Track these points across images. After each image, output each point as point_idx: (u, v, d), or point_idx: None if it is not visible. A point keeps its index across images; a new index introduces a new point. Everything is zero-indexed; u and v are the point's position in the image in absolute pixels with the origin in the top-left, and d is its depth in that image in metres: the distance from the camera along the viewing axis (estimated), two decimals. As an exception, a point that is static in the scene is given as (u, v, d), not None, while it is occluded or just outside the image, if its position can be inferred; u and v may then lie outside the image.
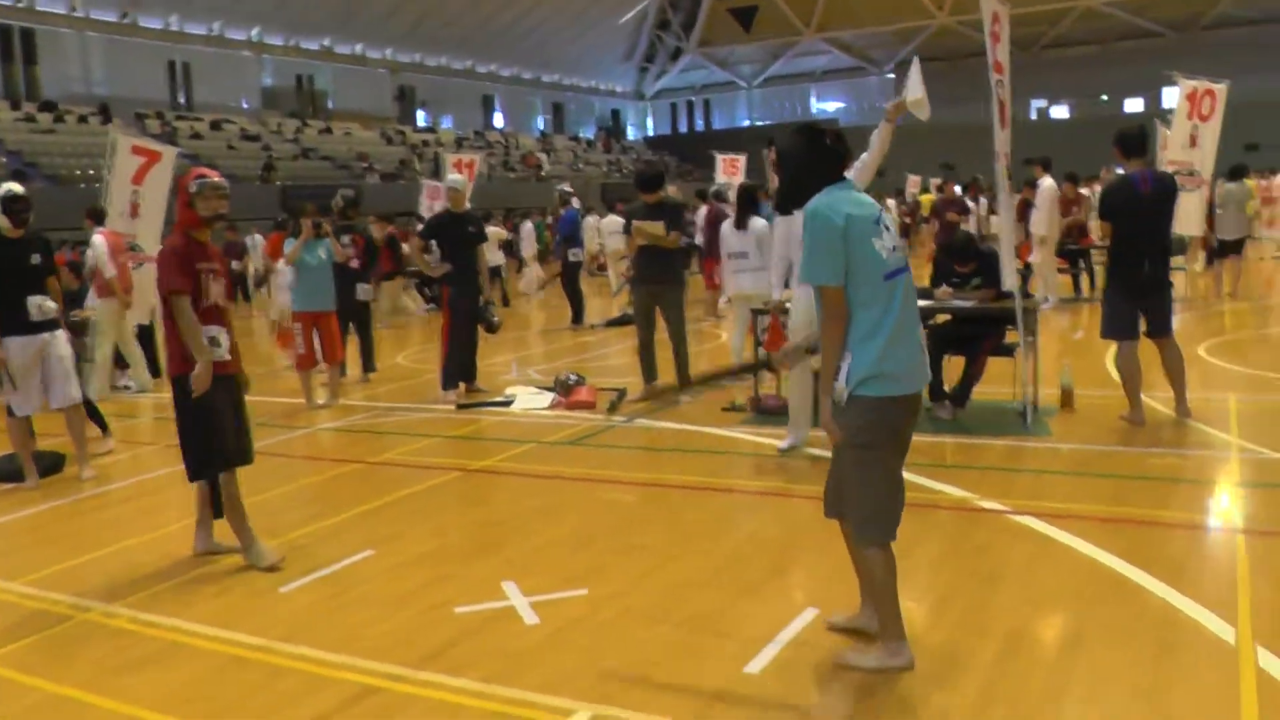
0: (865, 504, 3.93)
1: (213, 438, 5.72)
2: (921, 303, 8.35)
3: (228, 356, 5.78)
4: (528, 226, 24.38)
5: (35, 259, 7.78)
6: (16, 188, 7.83)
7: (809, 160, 3.99)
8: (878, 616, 4.01)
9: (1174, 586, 4.59)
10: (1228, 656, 3.94)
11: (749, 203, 10.41)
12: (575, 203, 19.14)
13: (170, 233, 5.97)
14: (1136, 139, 7.94)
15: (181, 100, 42.37)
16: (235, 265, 22.08)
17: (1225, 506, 5.93)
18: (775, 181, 4.04)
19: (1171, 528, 5.63)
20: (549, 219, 31.67)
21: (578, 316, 16.77)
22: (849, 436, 3.87)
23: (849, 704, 3.74)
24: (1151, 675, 3.81)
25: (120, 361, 12.34)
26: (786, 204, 4.14)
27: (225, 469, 5.81)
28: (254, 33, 44.71)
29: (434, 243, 10.83)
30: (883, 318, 3.79)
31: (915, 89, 7.57)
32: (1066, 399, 8.33)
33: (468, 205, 10.78)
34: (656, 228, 9.61)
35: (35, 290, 7.76)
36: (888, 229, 3.91)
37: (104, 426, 8.98)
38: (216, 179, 5.76)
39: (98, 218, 11.54)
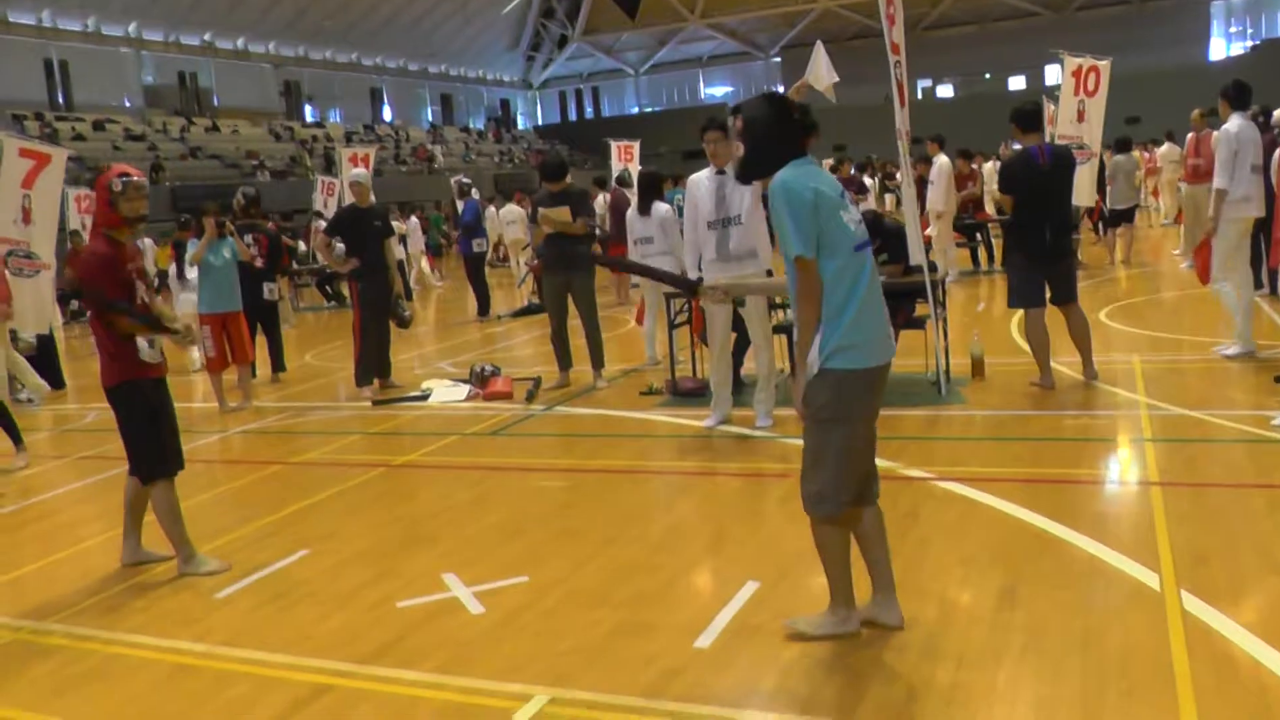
0: (817, 479, 3.93)
1: (164, 439, 5.64)
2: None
3: (160, 358, 5.67)
4: (412, 221, 24.03)
5: None
6: None
7: (774, 131, 3.95)
8: (829, 582, 4.07)
9: (1097, 539, 4.79)
10: (1154, 601, 4.13)
11: (652, 189, 10.52)
12: (475, 193, 19.02)
13: (82, 239, 5.78)
14: (1033, 114, 8.21)
15: (60, 100, 41.05)
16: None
17: (1138, 461, 6.18)
18: (739, 150, 4.02)
19: (1089, 484, 5.86)
20: (443, 213, 31.45)
21: (484, 308, 16.71)
22: (814, 411, 3.91)
23: (800, 670, 3.84)
24: (1084, 622, 3.98)
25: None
26: (748, 174, 4.11)
27: (177, 470, 5.72)
28: (131, 28, 43.52)
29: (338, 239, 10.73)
30: (852, 290, 3.82)
31: (827, 74, 7.72)
32: (977, 368, 8.57)
33: (372, 199, 10.67)
34: (563, 214, 9.64)
35: None
36: (851, 203, 3.96)
37: (18, 440, 8.74)
38: (139, 177, 5.59)
39: None
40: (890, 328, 4.07)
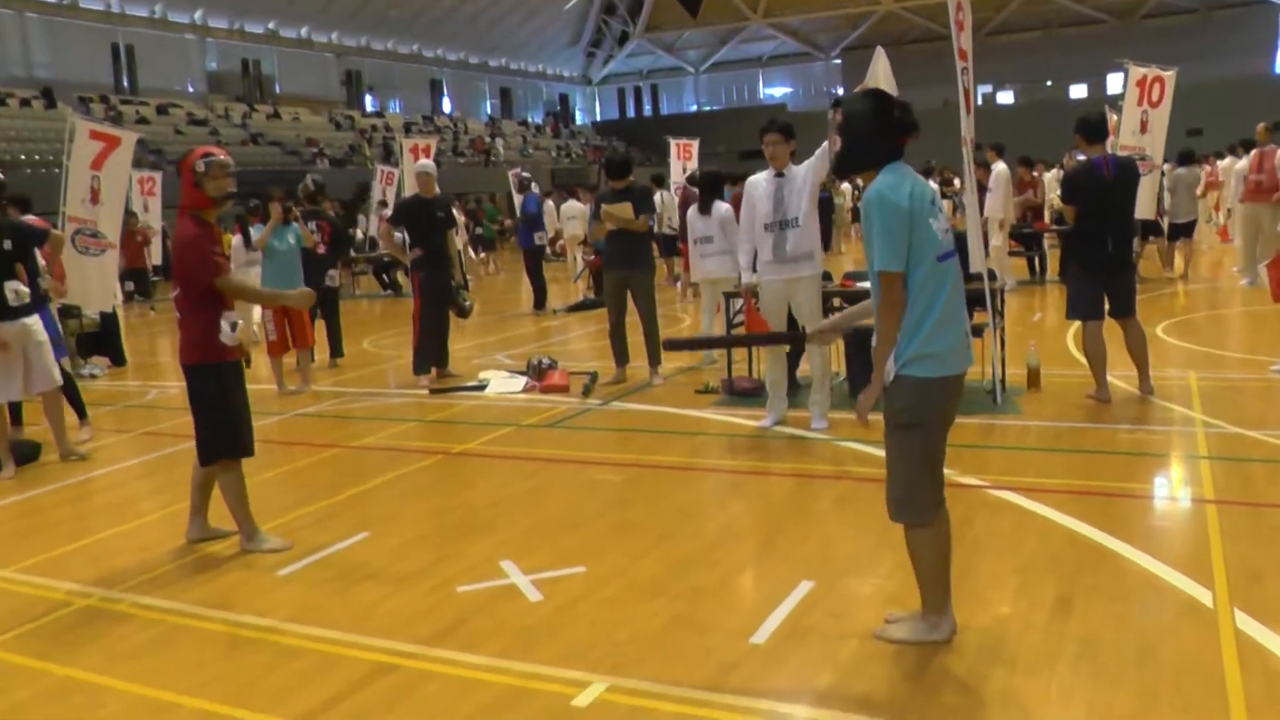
0: (900, 484, 3.94)
1: (230, 423, 5.77)
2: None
3: (238, 341, 5.81)
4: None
5: (6, 245, 7.78)
6: None
7: (874, 128, 3.91)
8: (920, 589, 4.07)
9: (1150, 554, 4.81)
10: (1207, 617, 4.15)
11: (713, 188, 10.61)
12: (535, 187, 19.18)
13: (176, 217, 5.89)
14: (1098, 125, 8.19)
15: (125, 84, 41.71)
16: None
17: (1193, 478, 6.17)
18: (836, 144, 4.01)
19: (1143, 499, 5.87)
20: (497, 205, 31.62)
21: (540, 302, 16.84)
22: (892, 416, 3.93)
23: (855, 670, 3.90)
24: (1138, 635, 4.02)
25: (84, 348, 12.27)
26: (844, 169, 4.07)
27: (238, 454, 5.85)
28: (197, 15, 44.13)
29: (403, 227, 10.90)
30: (934, 299, 3.81)
31: (886, 82, 7.74)
32: (1033, 378, 8.56)
33: (436, 190, 10.82)
34: (625, 210, 9.73)
35: (7, 276, 7.74)
36: (940, 210, 3.96)
37: (83, 413, 8.96)
38: (223, 157, 5.70)
39: (23, 206, 11.27)
40: (970, 336, 4.08)
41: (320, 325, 12.17)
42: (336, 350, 12.39)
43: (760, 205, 7.61)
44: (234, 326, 5.70)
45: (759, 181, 7.68)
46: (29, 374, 7.91)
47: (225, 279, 5.67)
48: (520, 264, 17.91)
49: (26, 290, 7.87)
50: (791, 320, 7.84)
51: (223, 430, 5.76)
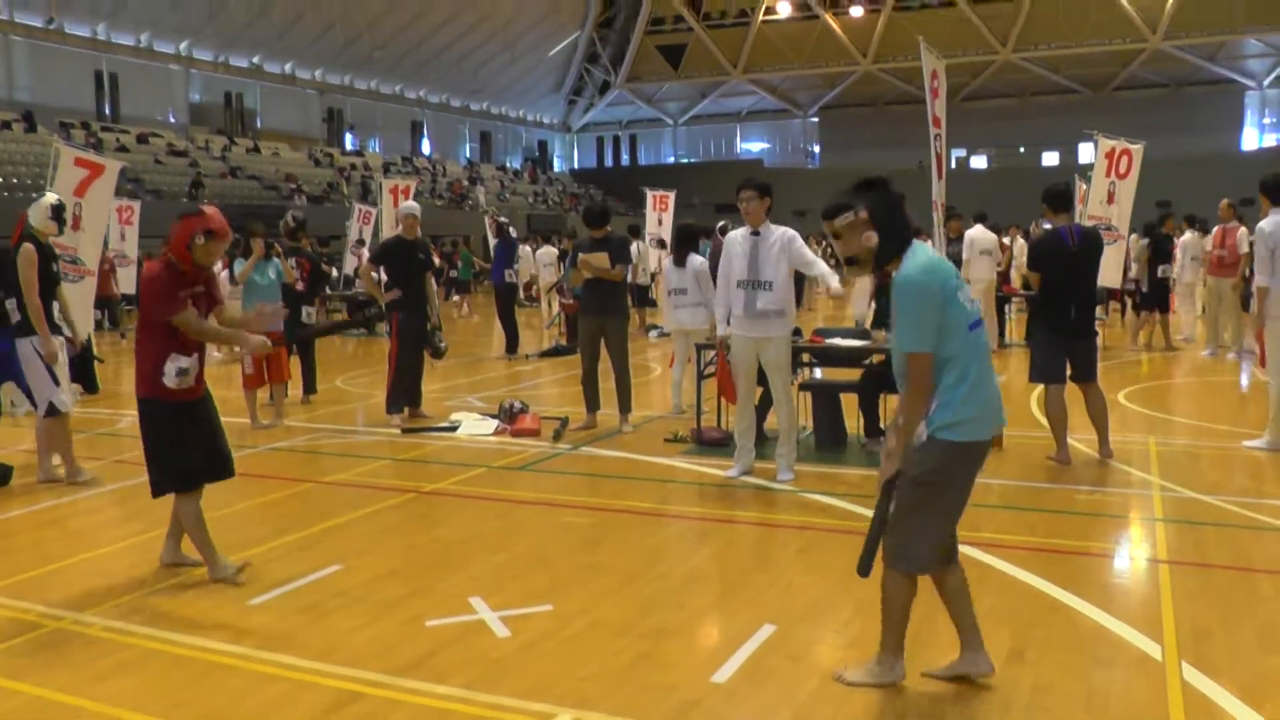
0: (910, 537, 4.04)
1: (179, 457, 5.80)
2: (858, 343, 8.77)
3: (192, 383, 5.82)
4: None
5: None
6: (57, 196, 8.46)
7: (898, 216, 4.05)
8: (883, 631, 4.19)
9: (1104, 610, 4.98)
10: (1155, 671, 4.31)
11: (687, 241, 10.85)
12: (512, 231, 19.36)
13: (158, 254, 5.98)
14: (1063, 195, 8.46)
15: (108, 111, 41.80)
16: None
17: (1148, 539, 6.36)
18: (870, 240, 4.03)
19: (1099, 557, 6.04)
20: (470, 249, 31.73)
21: (512, 346, 16.94)
22: (917, 472, 3.99)
23: (813, 709, 4.02)
24: (1088, 686, 4.17)
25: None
26: (885, 260, 4.07)
27: (186, 488, 5.88)
28: (183, 46, 44.36)
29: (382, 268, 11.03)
30: (967, 367, 3.93)
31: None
32: (996, 439, 8.72)
33: (418, 233, 10.96)
34: (602, 260, 9.91)
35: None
36: (963, 280, 4.07)
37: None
38: (220, 232, 5.72)
39: None
40: (1000, 399, 4.14)
41: (295, 361, 12.24)
42: (310, 387, 12.45)
43: (735, 262, 7.77)
44: (180, 372, 5.70)
45: (736, 238, 7.86)
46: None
47: (184, 316, 5.69)
48: (493, 308, 18.02)
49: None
50: (761, 375, 7.98)
51: (169, 464, 5.82)
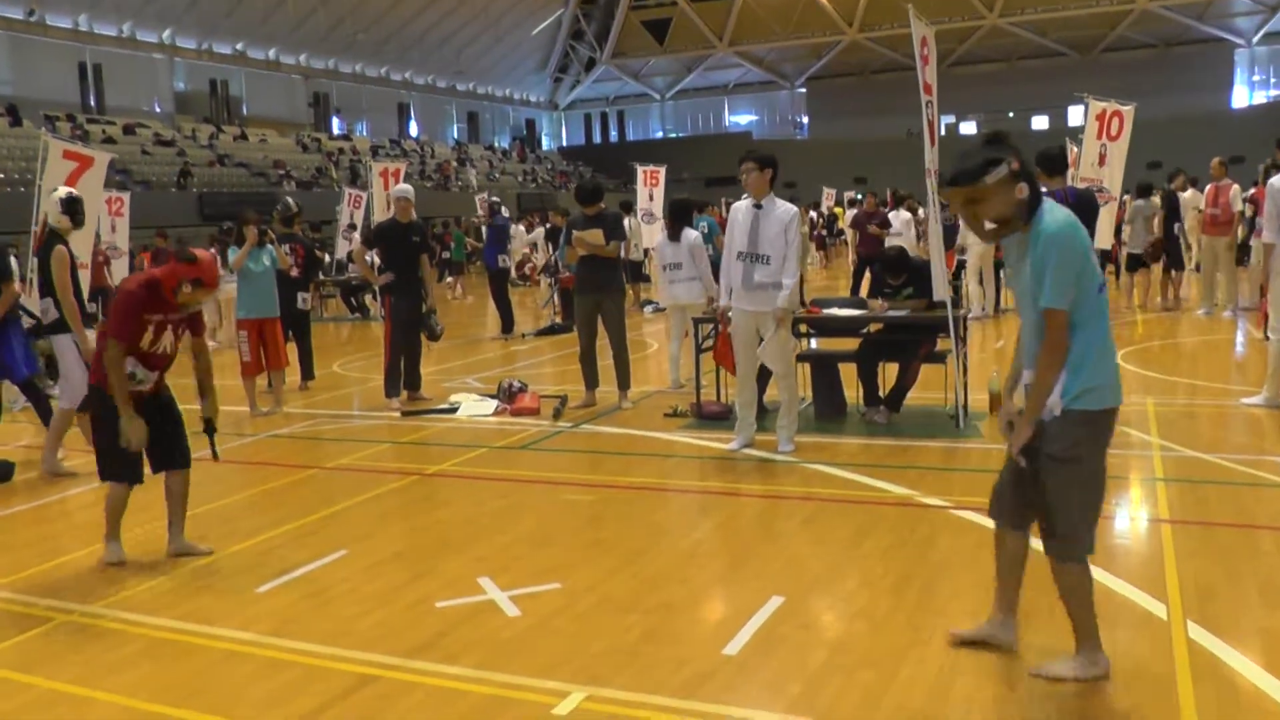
0: (1068, 521, 3.84)
1: (114, 447, 5.91)
2: (856, 312, 8.78)
3: (146, 387, 5.99)
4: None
5: None
6: (73, 190, 8.61)
7: (1031, 172, 3.84)
8: (1076, 626, 3.94)
9: (1108, 570, 5.00)
10: (1160, 629, 4.35)
11: (682, 215, 10.85)
12: (505, 211, 19.32)
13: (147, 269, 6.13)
14: (1058, 159, 8.48)
15: (93, 103, 41.62)
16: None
17: (1149, 499, 6.39)
18: (1022, 193, 3.75)
19: (1102, 519, 6.01)
20: (463, 229, 31.73)
21: (507, 326, 16.95)
22: (1058, 448, 3.80)
23: (824, 679, 4.05)
24: (1094, 648, 4.19)
25: (51, 370, 12.26)
26: (1032, 214, 3.81)
27: (124, 480, 6.03)
28: (166, 35, 44.19)
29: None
30: (1097, 330, 3.80)
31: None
32: (995, 403, 8.77)
33: (413, 215, 10.93)
34: (596, 236, 9.90)
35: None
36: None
37: None
38: (211, 285, 5.87)
39: None
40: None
41: (292, 347, 12.24)
42: (308, 373, 12.45)
43: (736, 234, 7.78)
44: (132, 376, 5.86)
45: (739, 209, 7.86)
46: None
47: (116, 350, 5.77)
48: (487, 289, 18.02)
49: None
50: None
51: (111, 453, 5.94)
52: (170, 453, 6.09)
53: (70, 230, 8.36)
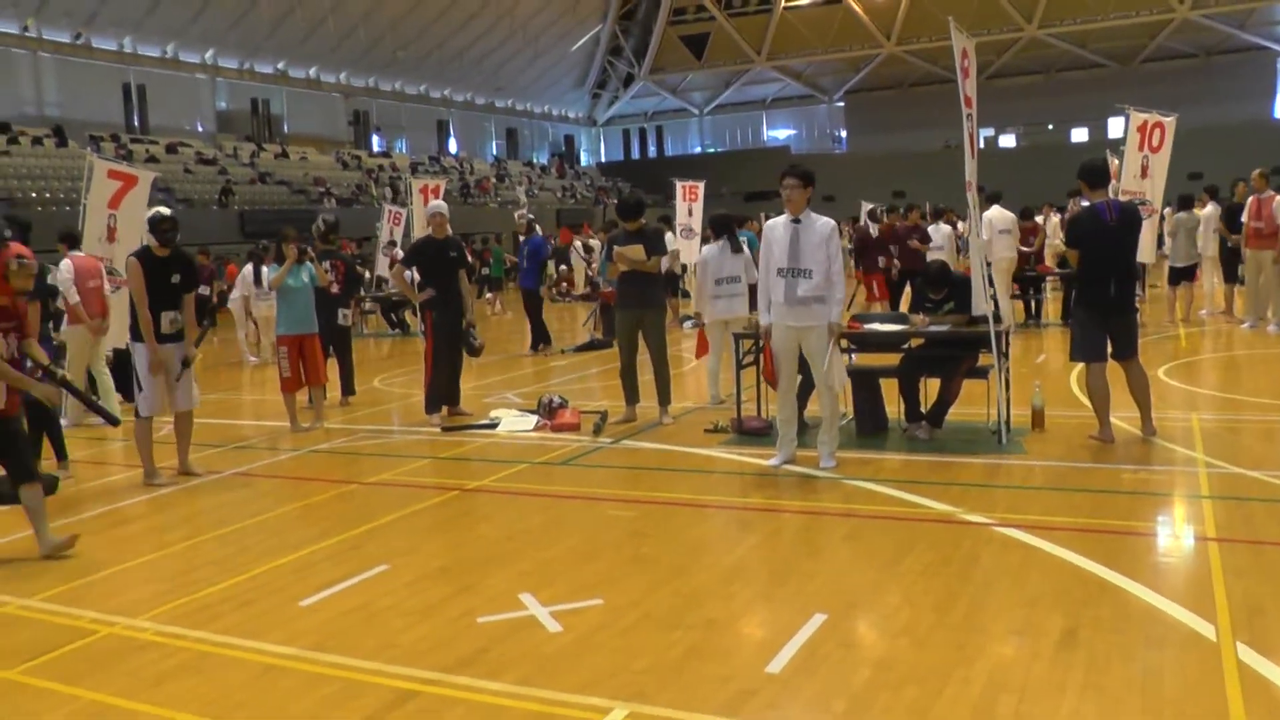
0: None
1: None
2: (897, 328, 8.73)
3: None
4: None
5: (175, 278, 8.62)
6: (164, 210, 8.78)
7: None
8: None
9: (1154, 589, 4.94)
10: (1210, 651, 4.28)
11: (728, 228, 10.86)
12: (539, 230, 19.36)
13: None
14: (1100, 172, 8.40)
15: (136, 123, 42.18)
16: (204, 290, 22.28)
17: (1195, 516, 6.31)
18: None
19: (1147, 536, 6.00)
20: (499, 246, 31.86)
21: (535, 343, 16.84)
22: None
23: (869, 697, 4.02)
24: (1142, 666, 4.15)
25: (92, 388, 12.41)
26: None
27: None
28: (208, 55, 44.68)
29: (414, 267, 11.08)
30: None
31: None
32: (1038, 419, 8.70)
33: (449, 231, 10.98)
34: (637, 252, 9.92)
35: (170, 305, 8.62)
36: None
37: (62, 454, 9.12)
38: (30, 260, 6.47)
39: (71, 242, 11.47)
40: None
41: (332, 363, 12.32)
42: (349, 388, 12.52)
43: (776, 250, 7.76)
44: None
45: (777, 225, 7.85)
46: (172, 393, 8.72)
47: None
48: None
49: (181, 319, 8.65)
50: (802, 362, 7.94)
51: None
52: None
53: (159, 247, 8.58)
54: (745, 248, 10.75)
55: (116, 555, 6.65)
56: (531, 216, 21.04)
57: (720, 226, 10.93)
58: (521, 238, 19.00)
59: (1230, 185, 16.29)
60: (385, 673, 4.53)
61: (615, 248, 10.09)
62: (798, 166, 7.93)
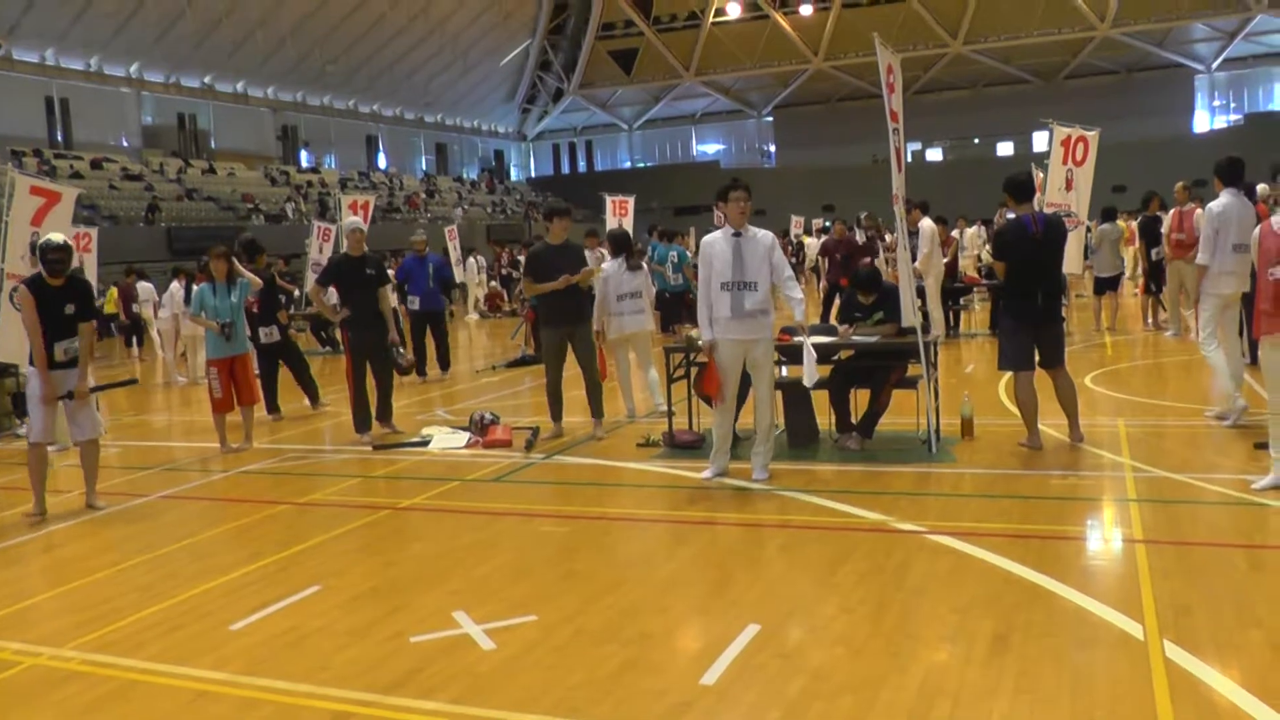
0: None
1: None
2: (826, 340, 8.79)
3: None
4: (470, 262, 24.54)
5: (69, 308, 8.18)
6: (55, 237, 8.23)
7: None
8: None
9: (1083, 591, 5.03)
10: (1138, 650, 4.35)
11: (628, 244, 10.91)
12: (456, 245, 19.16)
13: None
14: (1025, 185, 8.53)
15: (59, 137, 41.38)
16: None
17: (1122, 519, 6.41)
18: None
19: (1076, 540, 6.09)
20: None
21: (422, 369, 15.83)
22: None
23: (803, 707, 4.03)
24: (1072, 668, 4.20)
25: (18, 407, 12.14)
26: None
27: None
28: (133, 69, 44.02)
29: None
30: None
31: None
32: (967, 428, 8.82)
33: (365, 248, 10.86)
34: (589, 274, 9.97)
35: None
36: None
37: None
38: None
39: None
40: None
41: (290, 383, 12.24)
42: (273, 407, 12.39)
43: (717, 264, 7.72)
44: None
45: (716, 240, 7.82)
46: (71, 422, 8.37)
47: None
48: (459, 321, 17.90)
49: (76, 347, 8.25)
50: (745, 377, 7.94)
51: None
52: None
53: (50, 277, 8.08)
54: (645, 265, 10.76)
55: (40, 584, 6.51)
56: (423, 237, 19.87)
57: (619, 243, 10.93)
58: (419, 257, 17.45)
59: (1141, 199, 16.68)
60: (318, 695, 4.46)
61: (523, 281, 10.05)
62: (739, 180, 7.94)
